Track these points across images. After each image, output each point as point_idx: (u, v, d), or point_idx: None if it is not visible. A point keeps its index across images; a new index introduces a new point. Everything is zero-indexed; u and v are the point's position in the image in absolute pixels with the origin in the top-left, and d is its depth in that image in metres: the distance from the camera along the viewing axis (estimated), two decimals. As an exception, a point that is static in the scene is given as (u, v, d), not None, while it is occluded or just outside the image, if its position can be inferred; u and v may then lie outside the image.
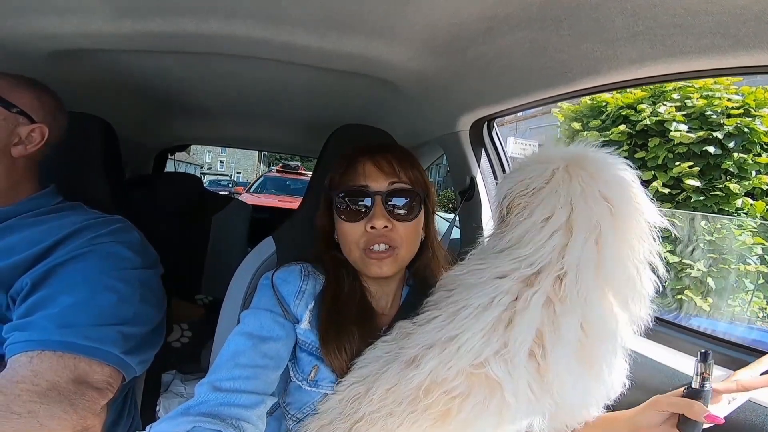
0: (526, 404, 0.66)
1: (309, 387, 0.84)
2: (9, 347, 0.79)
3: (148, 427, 0.68)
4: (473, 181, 1.38)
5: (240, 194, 7.30)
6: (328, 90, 1.48)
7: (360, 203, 0.85)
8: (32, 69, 1.08)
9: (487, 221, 1.34)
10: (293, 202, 5.58)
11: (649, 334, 0.93)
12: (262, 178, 8.49)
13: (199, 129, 2.39)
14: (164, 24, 0.99)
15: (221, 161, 30.92)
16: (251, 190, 7.82)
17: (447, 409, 0.67)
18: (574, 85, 0.91)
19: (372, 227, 0.83)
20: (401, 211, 0.86)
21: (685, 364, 0.84)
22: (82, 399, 0.80)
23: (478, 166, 1.37)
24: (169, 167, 3.00)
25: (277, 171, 8.36)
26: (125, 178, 1.56)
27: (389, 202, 0.85)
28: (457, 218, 1.52)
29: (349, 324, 0.84)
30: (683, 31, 0.65)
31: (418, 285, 0.94)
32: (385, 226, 0.84)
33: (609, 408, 0.74)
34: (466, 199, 1.40)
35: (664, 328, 0.94)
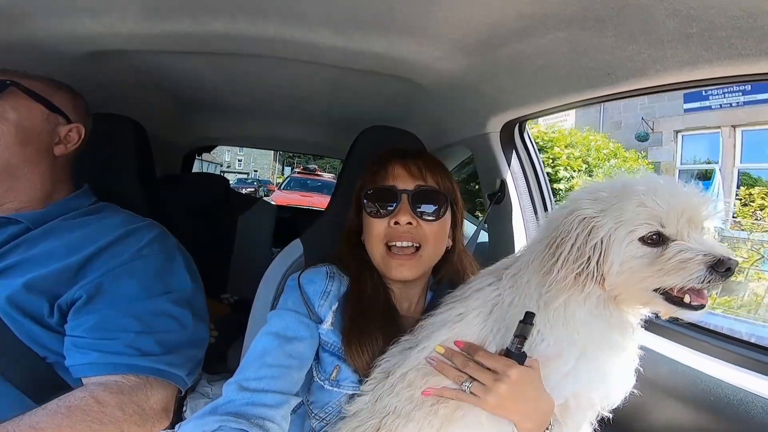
0: None
1: (331, 387, 0.85)
2: (85, 366, 0.82)
3: (177, 426, 0.71)
4: (503, 183, 1.34)
5: (273, 191, 10.32)
6: (353, 90, 1.47)
7: (386, 200, 0.88)
8: (68, 69, 1.11)
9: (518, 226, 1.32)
10: (312, 197, 8.06)
11: (670, 334, 0.91)
12: (288, 179, 11.47)
13: (226, 129, 2.43)
14: (194, 25, 1.00)
15: (239, 160, 32.66)
16: (281, 187, 10.54)
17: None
18: (618, 87, 0.88)
19: (396, 222, 0.86)
20: (426, 211, 0.87)
21: (708, 366, 0.83)
22: (154, 418, 0.84)
23: (509, 168, 1.33)
24: (195, 167, 3.06)
25: (299, 173, 11.34)
26: (156, 179, 1.58)
27: (415, 202, 0.87)
28: (485, 221, 1.49)
29: (372, 325, 0.85)
30: (742, 34, 0.62)
31: (443, 291, 0.93)
32: (409, 223, 0.86)
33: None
34: (496, 202, 1.37)
35: (684, 329, 0.92)
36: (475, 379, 0.72)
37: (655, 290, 0.67)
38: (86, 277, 0.86)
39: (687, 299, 0.66)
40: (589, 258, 0.67)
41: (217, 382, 1.42)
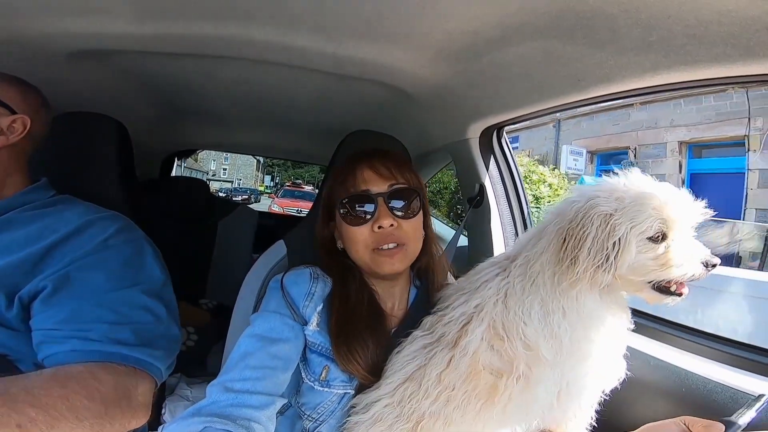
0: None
1: (321, 387, 0.86)
2: (68, 353, 0.79)
3: (160, 428, 0.70)
4: (482, 188, 1.39)
5: (273, 199, 15.54)
6: (339, 96, 1.49)
7: (363, 207, 0.88)
8: (51, 69, 1.10)
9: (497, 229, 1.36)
10: (299, 202, 12.42)
11: (661, 334, 0.96)
12: (283, 190, 16.46)
13: (210, 134, 2.41)
14: (184, 26, 1.01)
15: (224, 169, 34.16)
16: (278, 196, 15.51)
17: (494, 385, 0.75)
18: (587, 93, 0.93)
19: (379, 227, 0.86)
20: (404, 210, 0.89)
21: (694, 364, 0.87)
22: (137, 409, 0.81)
23: (488, 173, 1.38)
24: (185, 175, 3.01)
25: (289, 187, 17.21)
26: (137, 181, 1.56)
27: (391, 203, 0.88)
28: (465, 226, 1.53)
29: (360, 328, 0.86)
30: (696, 41, 0.68)
31: (425, 285, 0.97)
32: (392, 225, 0.87)
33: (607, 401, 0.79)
34: (475, 206, 1.41)
35: (675, 330, 0.97)
36: None
37: (649, 281, 0.75)
38: (50, 267, 0.84)
39: (673, 288, 0.74)
40: (607, 253, 0.72)
41: (196, 385, 1.41)
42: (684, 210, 0.73)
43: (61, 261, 0.85)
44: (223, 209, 2.26)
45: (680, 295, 0.75)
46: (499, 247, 1.36)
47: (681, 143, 7.68)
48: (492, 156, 1.40)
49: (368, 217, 0.87)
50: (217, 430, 0.67)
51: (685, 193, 0.75)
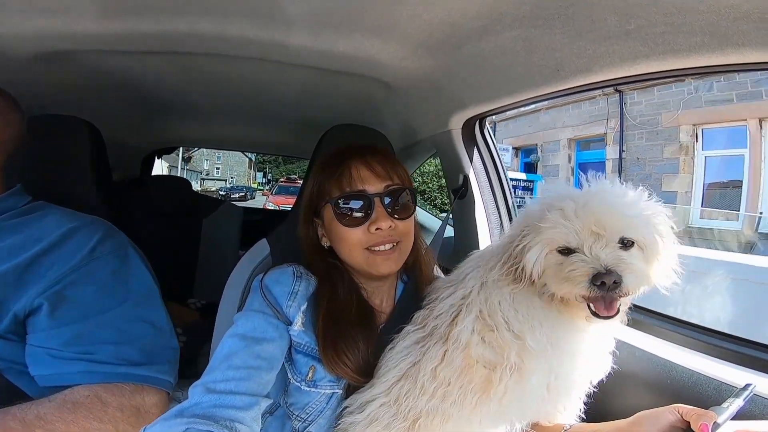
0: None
1: (308, 388, 0.85)
2: (77, 374, 0.81)
3: (142, 429, 0.68)
4: (466, 179, 1.38)
5: (268, 196, 15.70)
6: (321, 90, 1.47)
7: (359, 207, 0.85)
8: (16, 71, 1.06)
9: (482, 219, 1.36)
10: (294, 198, 10.52)
11: (647, 326, 0.97)
12: (277, 186, 16.82)
13: (189, 130, 2.37)
14: (155, 24, 0.97)
15: (217, 168, 35.89)
16: (272, 193, 15.57)
17: (489, 378, 0.75)
18: (567, 83, 0.93)
19: (377, 229, 0.84)
20: (400, 211, 0.87)
21: (679, 356, 0.87)
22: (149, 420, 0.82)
23: (471, 164, 1.37)
24: (184, 176, 2.97)
25: (283, 182, 16.91)
26: (113, 181, 1.53)
27: (388, 204, 0.86)
28: (450, 216, 1.52)
29: (350, 329, 0.84)
30: (674, 30, 0.67)
31: (413, 279, 0.97)
32: (390, 226, 0.85)
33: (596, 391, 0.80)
34: (459, 197, 1.41)
35: (660, 321, 0.97)
36: None
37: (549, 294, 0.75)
38: (37, 280, 0.83)
39: (600, 311, 0.71)
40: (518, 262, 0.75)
41: (187, 386, 1.39)
42: (590, 219, 0.70)
43: (48, 274, 0.83)
44: (207, 207, 2.23)
45: (605, 317, 0.71)
46: (484, 236, 1.36)
47: (570, 140, 10.14)
48: (475, 147, 1.39)
49: (363, 218, 0.85)
50: (200, 431, 0.67)
51: (612, 196, 0.73)
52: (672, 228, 0.75)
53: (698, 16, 0.63)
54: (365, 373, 0.84)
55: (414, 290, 0.95)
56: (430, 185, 10.61)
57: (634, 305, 0.81)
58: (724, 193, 7.70)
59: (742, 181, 7.34)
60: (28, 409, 0.76)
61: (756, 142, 7.08)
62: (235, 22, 0.97)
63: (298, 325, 0.85)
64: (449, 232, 1.55)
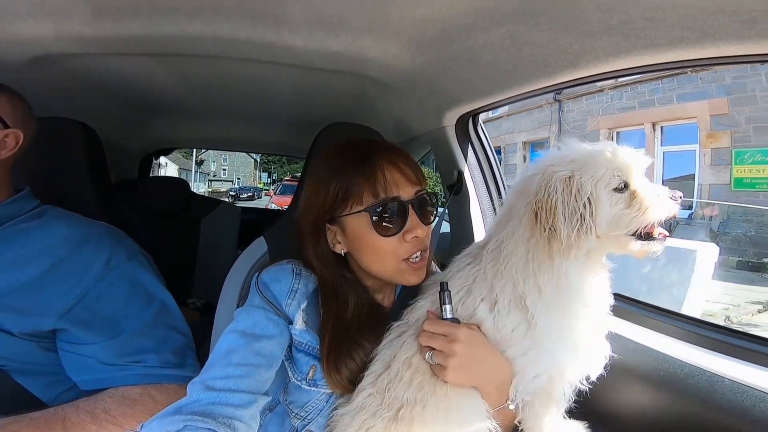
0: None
1: (309, 386, 0.84)
2: (119, 377, 0.89)
3: (139, 426, 0.69)
4: (461, 175, 1.40)
5: (271, 196, 15.34)
6: (315, 89, 1.48)
7: (396, 215, 0.81)
8: (12, 75, 1.07)
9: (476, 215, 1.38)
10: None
11: (639, 317, 0.98)
12: (281, 185, 15.74)
13: (184, 131, 2.38)
14: (147, 26, 0.98)
15: (224, 169, 37.69)
16: (276, 193, 14.79)
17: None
18: (554, 79, 0.94)
19: (415, 237, 0.82)
20: (427, 216, 0.86)
21: (672, 347, 0.88)
22: None
23: (465, 160, 1.39)
24: (193, 177, 2.98)
25: (288, 181, 15.48)
26: (111, 183, 1.54)
27: (419, 211, 0.83)
28: (446, 212, 1.54)
29: (360, 335, 0.84)
30: (654, 25, 0.69)
31: None
32: (425, 234, 0.84)
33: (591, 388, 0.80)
34: (454, 193, 1.42)
35: (653, 314, 0.98)
36: (433, 349, 0.76)
37: (633, 232, 0.76)
38: (61, 295, 0.87)
39: (656, 233, 0.75)
40: (581, 215, 0.73)
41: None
42: (632, 157, 0.75)
43: (69, 287, 0.88)
44: (204, 207, 2.24)
45: (665, 238, 0.75)
46: (479, 232, 1.37)
47: (524, 143, 11.60)
48: (469, 143, 1.40)
49: (398, 226, 0.81)
50: (198, 429, 0.66)
51: (625, 147, 0.77)
52: None
53: (676, 11, 0.64)
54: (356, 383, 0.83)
55: (413, 287, 0.92)
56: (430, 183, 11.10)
57: (624, 297, 0.82)
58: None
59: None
60: (94, 405, 0.85)
61: (650, 142, 8.43)
62: (227, 23, 0.97)
63: (299, 324, 0.83)
64: (445, 227, 1.56)
